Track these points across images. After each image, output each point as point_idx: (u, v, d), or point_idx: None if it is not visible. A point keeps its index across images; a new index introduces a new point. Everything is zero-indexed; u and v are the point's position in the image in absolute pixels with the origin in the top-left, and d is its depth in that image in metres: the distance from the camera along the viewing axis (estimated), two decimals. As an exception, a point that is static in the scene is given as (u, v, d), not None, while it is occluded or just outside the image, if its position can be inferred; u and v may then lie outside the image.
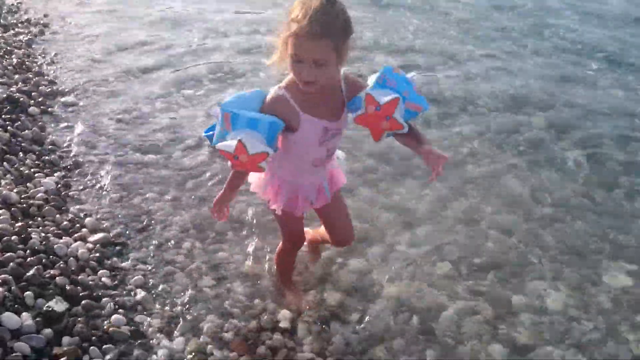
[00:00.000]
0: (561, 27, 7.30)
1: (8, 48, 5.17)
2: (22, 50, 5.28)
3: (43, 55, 5.34)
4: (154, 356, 2.43)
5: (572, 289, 3.06)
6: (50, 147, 3.86)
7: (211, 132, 2.32)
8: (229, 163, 2.14)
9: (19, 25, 5.99)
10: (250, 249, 3.14)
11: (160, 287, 2.82)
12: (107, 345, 2.40)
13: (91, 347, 2.36)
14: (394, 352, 2.61)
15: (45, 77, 4.88)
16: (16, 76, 4.65)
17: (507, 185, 3.95)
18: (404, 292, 2.94)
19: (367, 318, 2.76)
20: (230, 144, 2.05)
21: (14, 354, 2.20)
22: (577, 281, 3.11)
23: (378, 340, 2.66)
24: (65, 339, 2.37)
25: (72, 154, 3.85)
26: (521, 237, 3.43)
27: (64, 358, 2.26)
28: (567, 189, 3.96)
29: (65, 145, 3.96)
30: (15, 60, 4.94)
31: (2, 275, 2.48)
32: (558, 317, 2.87)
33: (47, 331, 2.36)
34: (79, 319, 2.47)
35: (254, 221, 3.34)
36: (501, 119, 4.89)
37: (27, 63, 5.01)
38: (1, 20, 5.92)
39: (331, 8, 1.94)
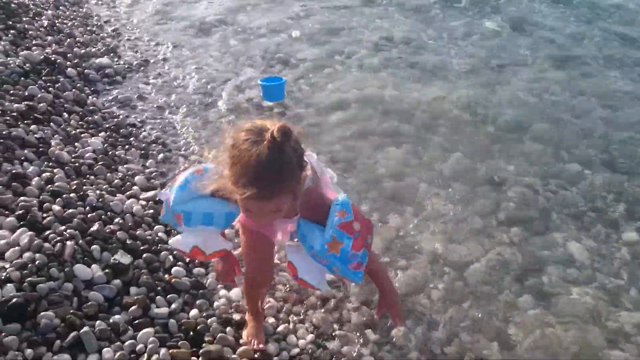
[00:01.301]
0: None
1: (37, 9, 5.22)
2: (51, 11, 5.34)
3: (72, 18, 5.41)
4: (215, 303, 2.61)
5: (594, 243, 3.22)
6: (91, 108, 3.98)
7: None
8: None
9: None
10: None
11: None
12: (172, 295, 2.58)
13: (157, 297, 2.54)
14: (433, 300, 2.79)
15: (77, 38, 4.96)
16: (49, 37, 4.72)
17: (529, 144, 4.08)
18: (438, 247, 3.10)
19: (406, 270, 2.93)
20: (185, 244, 2.06)
21: (89, 303, 2.38)
22: (599, 235, 3.27)
23: (418, 289, 2.84)
24: (133, 289, 2.54)
25: (113, 115, 3.98)
26: (544, 193, 3.58)
27: (135, 306, 2.44)
28: (588, 146, 4.09)
29: (105, 106, 4.09)
30: (45, 22, 5.00)
31: (69, 230, 2.64)
32: (581, 267, 3.04)
33: (116, 282, 2.53)
34: (143, 271, 2.65)
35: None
36: (524, 78, 4.99)
37: (57, 24, 5.07)
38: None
39: (279, 156, 1.68)
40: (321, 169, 2.19)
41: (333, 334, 2.56)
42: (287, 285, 2.77)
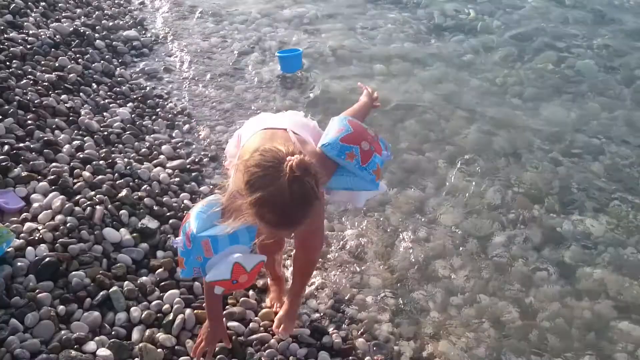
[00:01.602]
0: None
1: (66, -18, 5.30)
2: (80, -17, 5.41)
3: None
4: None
5: (616, 217, 3.22)
6: (119, 79, 4.06)
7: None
8: (218, 290, 1.99)
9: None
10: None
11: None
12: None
13: (183, 260, 2.63)
14: (453, 268, 2.83)
15: (105, 11, 5.04)
16: (78, 10, 4.80)
17: (550, 116, 4.06)
18: (458, 219, 3.14)
19: (427, 241, 2.98)
20: (223, 271, 1.87)
21: (117, 264, 2.47)
22: (620, 210, 3.27)
23: (438, 257, 2.89)
24: (160, 253, 2.63)
25: (140, 86, 4.06)
26: (566, 166, 3.58)
27: (161, 269, 2.53)
28: (609, 119, 4.06)
29: (133, 77, 4.17)
30: (75, -6, 5.08)
31: (99, 195, 2.73)
32: (601, 242, 3.05)
33: (144, 245, 2.62)
34: (169, 235, 2.73)
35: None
36: (545, 51, 4.94)
37: (86, -4, 5.15)
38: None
39: (301, 190, 1.60)
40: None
41: (352, 299, 2.63)
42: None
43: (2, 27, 3.88)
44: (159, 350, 2.17)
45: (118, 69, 4.19)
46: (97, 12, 4.89)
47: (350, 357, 2.36)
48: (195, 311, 2.37)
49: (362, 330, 2.50)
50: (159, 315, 2.33)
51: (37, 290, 2.19)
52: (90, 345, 2.08)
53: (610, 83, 4.51)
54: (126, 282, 2.40)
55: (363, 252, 2.89)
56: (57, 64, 3.81)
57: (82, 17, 4.69)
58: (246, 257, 1.88)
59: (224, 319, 2.29)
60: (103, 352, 2.07)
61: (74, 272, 2.33)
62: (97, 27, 4.59)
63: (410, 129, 3.86)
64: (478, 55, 4.86)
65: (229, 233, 1.82)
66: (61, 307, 2.18)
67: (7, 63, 3.56)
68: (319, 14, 5.52)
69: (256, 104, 4.06)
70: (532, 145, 3.76)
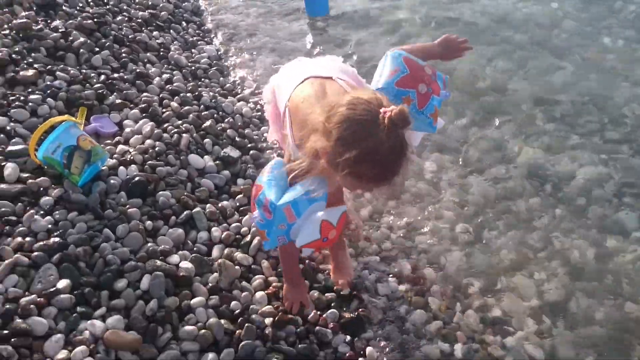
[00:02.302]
0: None
1: None
2: None
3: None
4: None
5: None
6: (210, 20, 4.19)
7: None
8: (307, 252, 1.98)
9: None
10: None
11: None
12: (274, 188, 2.77)
13: (261, 188, 2.74)
14: (530, 207, 2.78)
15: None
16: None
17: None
18: (537, 159, 3.05)
19: (505, 180, 2.93)
20: (312, 232, 1.81)
21: (201, 188, 2.62)
22: None
23: (515, 196, 2.85)
24: (240, 180, 2.76)
25: (227, 24, 4.18)
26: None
27: (241, 195, 2.65)
28: None
29: (219, 16, 4.29)
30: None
31: (185, 124, 2.88)
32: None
33: (225, 172, 2.75)
34: (249, 165, 2.85)
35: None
36: None
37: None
38: None
39: (399, 142, 1.53)
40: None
41: (423, 228, 2.66)
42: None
43: (100, -33, 4.08)
44: (237, 267, 2.30)
45: (206, 5, 4.32)
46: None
47: (418, 286, 2.42)
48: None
49: (431, 260, 2.54)
50: (237, 236, 2.46)
51: (127, 206, 2.37)
52: (174, 258, 2.24)
53: None
54: (208, 205, 2.54)
55: (438, 185, 2.89)
56: (150, 3, 3.98)
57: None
58: (330, 213, 1.82)
59: (303, 280, 2.29)
60: (185, 264, 2.22)
61: (160, 192, 2.48)
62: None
63: (497, 66, 3.74)
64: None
65: (306, 194, 1.75)
66: (149, 222, 2.35)
67: (105, 0, 3.76)
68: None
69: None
70: (623, 86, 3.55)
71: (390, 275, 2.44)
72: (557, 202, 2.82)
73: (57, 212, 2.23)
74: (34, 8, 3.29)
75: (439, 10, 4.40)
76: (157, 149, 2.67)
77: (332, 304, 2.28)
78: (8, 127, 2.50)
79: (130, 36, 3.46)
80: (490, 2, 4.49)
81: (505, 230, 2.66)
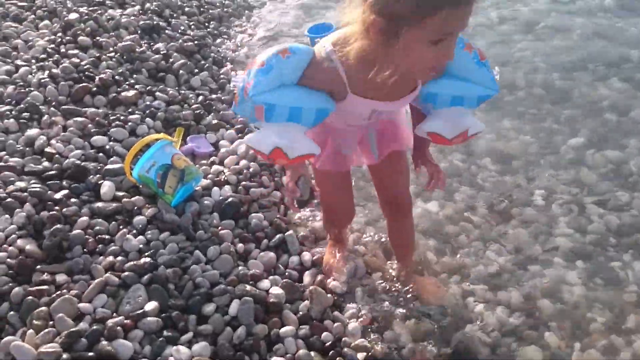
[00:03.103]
0: None
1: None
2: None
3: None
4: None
5: None
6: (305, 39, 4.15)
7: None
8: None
9: None
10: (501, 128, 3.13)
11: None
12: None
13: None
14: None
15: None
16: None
17: None
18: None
19: (627, 206, 2.62)
20: (265, 144, 1.60)
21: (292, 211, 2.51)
22: None
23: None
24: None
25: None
26: None
27: (336, 218, 2.53)
28: None
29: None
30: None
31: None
32: None
33: (320, 194, 2.64)
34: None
35: (504, 105, 3.29)
36: None
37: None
38: None
39: None
40: None
41: (537, 257, 2.40)
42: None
43: (203, -8, 4.17)
44: (329, 295, 2.16)
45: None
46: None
47: (532, 318, 2.14)
48: (365, 257, 2.34)
49: (546, 291, 2.26)
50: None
51: (219, 227, 2.30)
52: (265, 283, 2.13)
53: None
54: (301, 228, 2.43)
55: (551, 209, 2.61)
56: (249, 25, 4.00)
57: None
58: (294, 143, 1.58)
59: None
60: (276, 290, 2.10)
61: (253, 214, 2.40)
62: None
63: (614, 86, 3.40)
64: None
65: (292, 105, 1.52)
66: (240, 245, 2.26)
67: (206, 24, 3.81)
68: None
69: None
70: None
71: (499, 305, 2.20)
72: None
73: (149, 231, 2.20)
74: (139, 32, 3.38)
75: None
76: (251, 169, 2.61)
77: (429, 338, 2.08)
78: (107, 146, 2.53)
79: (228, 58, 3.47)
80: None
81: (632, 262, 2.34)
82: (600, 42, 3.83)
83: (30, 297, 1.86)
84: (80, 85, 2.83)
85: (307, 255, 2.30)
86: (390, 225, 2.25)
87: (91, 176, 2.36)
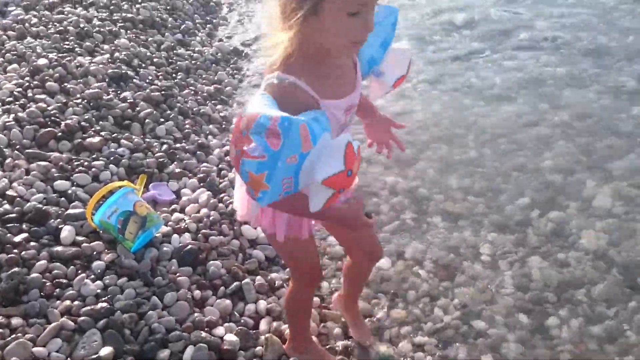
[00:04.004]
0: None
1: (231, 7, 5.73)
2: (244, 9, 5.81)
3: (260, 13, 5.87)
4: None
5: None
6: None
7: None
8: (317, 205, 1.37)
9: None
10: (450, 188, 3.28)
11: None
12: (327, 261, 2.71)
13: (313, 262, 2.68)
14: (593, 297, 2.57)
15: (264, 32, 5.37)
16: (239, 30, 5.16)
17: None
18: (603, 245, 2.85)
19: (566, 265, 2.75)
20: (336, 159, 1.31)
21: (251, 259, 2.58)
22: None
23: (578, 284, 2.64)
24: (292, 253, 2.71)
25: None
26: None
27: (292, 267, 2.60)
28: None
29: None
30: (237, 18, 5.46)
31: (241, 195, 2.89)
32: None
33: (278, 244, 2.71)
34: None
35: (454, 165, 3.45)
36: None
37: (245, 20, 5.51)
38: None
39: None
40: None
41: (481, 313, 2.49)
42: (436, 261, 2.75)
43: (172, 44, 4.29)
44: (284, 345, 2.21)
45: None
46: (254, 35, 5.22)
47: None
48: (322, 311, 2.40)
49: (490, 346, 2.36)
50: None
51: (177, 274, 2.35)
52: (220, 330, 2.17)
53: None
54: (258, 277, 2.48)
55: (496, 266, 2.74)
56: (215, 78, 4.12)
57: (242, 37, 5.04)
58: (350, 136, 1.37)
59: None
60: (230, 337, 2.14)
61: (212, 262, 2.46)
62: (254, 47, 4.90)
63: (559, 149, 3.61)
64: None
65: (313, 115, 1.36)
66: (197, 291, 2.31)
67: (174, 75, 3.92)
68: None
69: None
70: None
71: (446, 361, 2.28)
72: (631, 291, 2.61)
73: (107, 277, 2.23)
74: (107, 80, 3.46)
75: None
76: (211, 218, 2.67)
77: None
78: (69, 191, 2.57)
79: (194, 109, 3.57)
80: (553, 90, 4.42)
81: (567, 318, 2.46)
82: (544, 105, 4.07)
83: (-17, 340, 1.87)
84: (46, 129, 2.88)
85: (263, 304, 2.35)
86: (358, 266, 2.21)
87: (52, 220, 2.40)
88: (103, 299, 2.12)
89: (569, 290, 2.61)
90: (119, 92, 3.41)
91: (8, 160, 2.66)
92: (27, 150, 2.76)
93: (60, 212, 2.45)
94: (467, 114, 4.01)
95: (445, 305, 2.52)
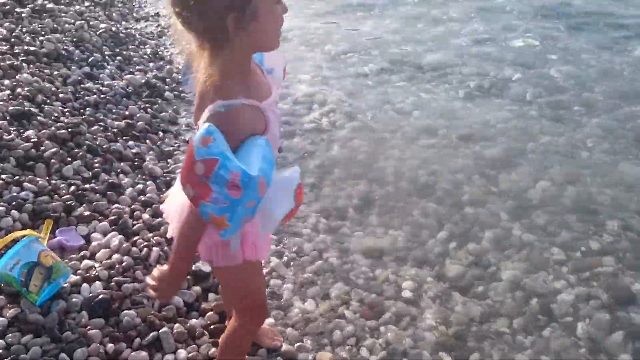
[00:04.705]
0: None
1: (142, 39, 5.61)
2: (154, 41, 5.71)
3: (172, 46, 5.75)
4: (290, 314, 2.65)
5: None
6: (184, 128, 4.19)
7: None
8: (272, 228, 1.63)
9: (149, 18, 6.45)
10: (370, 225, 3.30)
11: (290, 255, 3.02)
12: (248, 304, 2.64)
13: (233, 305, 2.60)
14: (514, 328, 2.66)
15: (176, 65, 5.27)
16: (151, 64, 5.04)
17: (624, 172, 3.86)
18: (521, 275, 2.97)
19: (486, 294, 2.83)
20: (288, 200, 1.56)
21: (169, 306, 2.46)
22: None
23: (498, 314, 2.72)
24: (212, 295, 2.61)
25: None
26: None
27: (212, 312, 2.51)
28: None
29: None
30: (149, 50, 5.35)
31: (156, 237, 2.78)
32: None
33: (196, 288, 2.61)
34: (222, 279, 2.73)
35: (374, 201, 3.50)
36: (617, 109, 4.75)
37: (159, 52, 5.41)
38: (135, 15, 6.40)
39: None
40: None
41: (406, 352, 2.51)
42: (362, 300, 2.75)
43: (79, 78, 4.12)
44: (204, 395, 2.12)
45: (185, 118, 4.34)
46: (168, 66, 5.11)
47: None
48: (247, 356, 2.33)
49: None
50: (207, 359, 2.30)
51: (88, 327, 2.21)
52: (136, 385, 2.06)
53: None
54: (176, 325, 2.38)
55: (419, 302, 2.77)
56: (127, 113, 3.98)
57: (155, 70, 4.92)
58: (296, 175, 1.58)
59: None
60: (148, 392, 2.04)
61: (125, 311, 2.33)
62: (167, 80, 4.79)
63: (474, 183, 3.75)
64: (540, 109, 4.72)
65: (262, 154, 1.41)
66: (110, 345, 2.18)
67: (81, 110, 3.75)
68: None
69: (311, 158, 4.07)
70: (603, 200, 3.56)
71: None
72: (546, 320, 2.71)
73: (10, 334, 2.08)
74: (7, 118, 3.26)
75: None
76: (124, 264, 2.55)
77: None
78: (-35, 242, 2.38)
79: (104, 146, 3.42)
80: (461, 118, 4.60)
81: (490, 351, 2.52)
82: (461, 142, 4.22)
83: None
84: (-62, 174, 2.67)
85: (182, 353, 2.25)
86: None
87: (-55, 275, 2.20)
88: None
89: (489, 322, 2.68)
90: (21, 130, 3.21)
91: None
92: None
93: (-46, 265, 2.25)
94: (384, 147, 4.10)
95: (371, 345, 2.52)
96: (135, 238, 2.74)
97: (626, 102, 4.75)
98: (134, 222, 2.86)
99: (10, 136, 3.08)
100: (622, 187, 3.70)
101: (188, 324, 2.41)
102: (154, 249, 2.68)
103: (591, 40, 6.04)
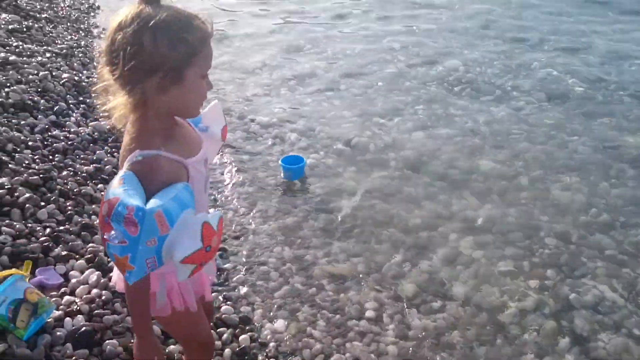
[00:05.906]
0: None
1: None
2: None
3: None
4: (262, 335, 2.86)
5: (626, 287, 3.27)
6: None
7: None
8: (183, 274, 1.52)
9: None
10: (332, 252, 3.54)
11: (259, 283, 3.23)
12: (221, 329, 2.82)
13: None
14: (467, 338, 2.91)
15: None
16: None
17: (559, 195, 4.20)
18: (471, 290, 3.24)
19: (439, 312, 3.09)
20: (192, 239, 1.46)
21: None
22: (631, 280, 3.33)
23: (452, 327, 2.98)
24: (187, 324, 2.79)
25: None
26: (576, 240, 3.67)
27: (188, 338, 2.67)
28: (618, 197, 4.17)
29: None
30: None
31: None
32: (613, 310, 3.10)
33: (172, 317, 2.78)
34: (196, 308, 2.90)
35: (335, 226, 3.74)
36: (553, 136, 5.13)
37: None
38: (95, 64, 6.58)
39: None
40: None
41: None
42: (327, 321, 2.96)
43: (47, 126, 4.27)
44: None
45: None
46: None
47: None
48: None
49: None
50: (186, 383, 2.46)
51: (73, 358, 2.35)
52: (121, 410, 2.21)
53: (616, 164, 4.62)
54: (156, 351, 2.54)
55: (379, 321, 3.00)
56: (94, 157, 4.14)
57: (118, 116, 5.08)
58: (207, 215, 1.52)
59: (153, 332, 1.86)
60: (132, 416, 2.18)
61: (107, 341, 2.49)
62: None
63: (424, 207, 4.03)
64: (491, 136, 5.07)
65: (172, 196, 1.45)
66: (95, 373, 2.33)
67: (50, 157, 3.90)
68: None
69: (278, 186, 4.30)
70: (543, 219, 3.88)
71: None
72: (495, 330, 2.96)
73: (-1, 369, 2.20)
74: (-20, 168, 3.39)
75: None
76: (103, 297, 2.70)
77: None
78: (-48, 285, 2.50)
79: (75, 190, 3.57)
80: (413, 149, 4.91)
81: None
82: (414, 165, 4.54)
83: None
84: None
85: (163, 378, 2.41)
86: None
87: None
88: (-3, 392, 2.09)
89: (444, 335, 2.93)
90: (-6, 179, 3.35)
91: None
92: None
93: (-58, 307, 2.37)
94: (343, 179, 4.37)
95: (339, 360, 2.74)
96: (111, 274, 2.89)
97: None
98: (109, 260, 3.01)
99: (-16, 185, 3.22)
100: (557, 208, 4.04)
101: (167, 350, 2.57)
102: (130, 283, 2.83)
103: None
